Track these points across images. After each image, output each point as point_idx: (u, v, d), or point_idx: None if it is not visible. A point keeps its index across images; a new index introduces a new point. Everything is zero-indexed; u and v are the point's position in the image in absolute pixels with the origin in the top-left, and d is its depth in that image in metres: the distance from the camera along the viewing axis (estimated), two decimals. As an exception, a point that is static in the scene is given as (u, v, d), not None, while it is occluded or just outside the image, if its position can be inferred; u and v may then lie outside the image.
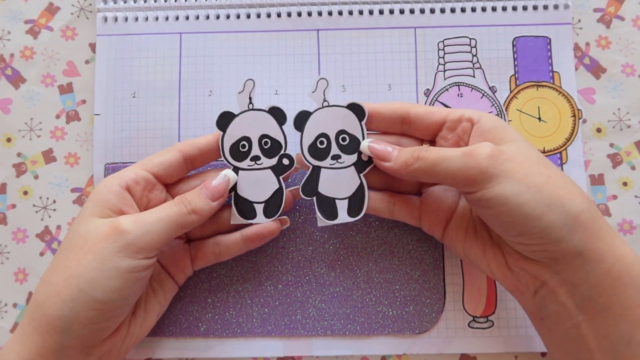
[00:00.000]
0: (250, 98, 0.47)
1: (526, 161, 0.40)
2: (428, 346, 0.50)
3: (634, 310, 0.38)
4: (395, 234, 0.51)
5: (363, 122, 0.46)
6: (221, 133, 0.47)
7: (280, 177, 0.47)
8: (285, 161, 0.47)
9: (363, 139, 0.46)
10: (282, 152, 0.47)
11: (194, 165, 0.47)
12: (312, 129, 0.47)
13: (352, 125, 0.46)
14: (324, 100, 0.47)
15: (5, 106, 0.54)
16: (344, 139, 0.46)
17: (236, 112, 0.47)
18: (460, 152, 0.40)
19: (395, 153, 0.44)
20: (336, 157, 0.47)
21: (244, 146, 0.47)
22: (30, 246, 0.53)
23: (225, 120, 0.47)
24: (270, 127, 0.47)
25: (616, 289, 0.38)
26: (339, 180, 0.47)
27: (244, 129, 0.47)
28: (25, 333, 0.41)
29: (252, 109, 0.47)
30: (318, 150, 0.47)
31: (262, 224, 0.47)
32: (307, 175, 0.47)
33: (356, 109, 0.46)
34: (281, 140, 0.47)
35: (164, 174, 0.45)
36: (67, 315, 0.39)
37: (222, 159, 0.47)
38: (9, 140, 0.54)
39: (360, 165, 0.47)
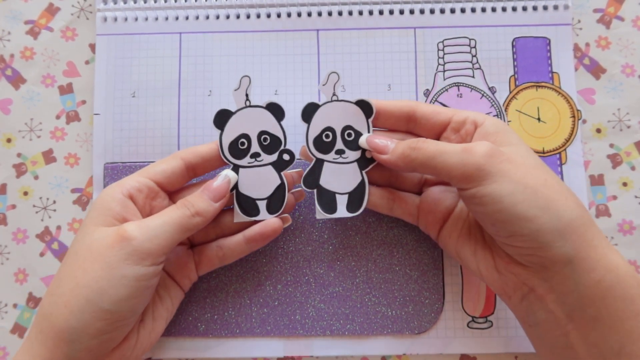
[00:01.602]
0: (247, 95, 0.47)
1: (525, 164, 0.40)
2: (428, 346, 0.50)
3: (624, 322, 0.37)
4: (394, 234, 0.51)
5: (370, 120, 0.46)
6: (219, 132, 0.46)
7: (282, 173, 0.47)
8: (286, 156, 0.47)
9: None
10: (282, 147, 0.47)
11: (196, 173, 0.47)
12: (319, 122, 0.47)
13: (359, 121, 0.46)
14: (334, 94, 0.47)
15: (6, 106, 0.54)
16: (349, 135, 0.46)
17: (233, 110, 0.47)
18: (459, 147, 0.40)
19: (392, 146, 0.44)
20: (340, 152, 0.47)
21: (243, 143, 0.46)
22: (30, 246, 0.53)
23: (222, 118, 0.46)
24: (268, 123, 0.47)
25: (607, 300, 0.38)
26: (340, 175, 0.47)
27: (242, 126, 0.46)
28: (33, 346, 0.40)
29: (250, 106, 0.47)
30: (323, 143, 0.47)
31: (264, 222, 0.46)
32: (309, 167, 0.47)
33: (364, 106, 0.46)
34: (280, 135, 0.47)
35: (166, 182, 0.45)
36: (75, 327, 0.39)
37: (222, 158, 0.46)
38: (9, 140, 0.54)
39: (363, 162, 0.47)
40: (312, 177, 0.47)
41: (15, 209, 0.53)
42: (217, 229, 0.48)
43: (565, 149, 0.52)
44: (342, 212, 0.47)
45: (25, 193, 0.53)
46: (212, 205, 0.44)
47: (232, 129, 0.46)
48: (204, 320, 0.50)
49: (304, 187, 0.47)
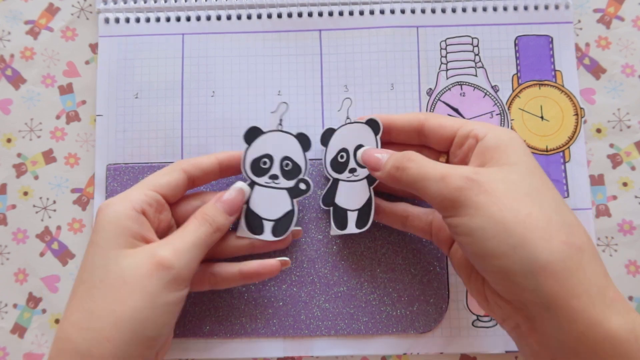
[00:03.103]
0: (280, 120, 0.50)
1: (508, 194, 0.37)
2: (429, 346, 0.50)
3: None
4: (398, 234, 0.51)
5: (378, 137, 0.47)
6: (246, 146, 0.48)
7: (294, 200, 0.48)
8: (302, 186, 0.48)
9: None
10: (301, 176, 0.48)
11: (194, 184, 0.47)
12: (335, 144, 0.50)
13: (369, 139, 0.48)
14: (347, 117, 0.51)
15: (6, 107, 0.54)
16: None
17: (264, 129, 0.48)
18: (438, 174, 0.39)
19: (384, 160, 0.43)
20: (353, 171, 0.49)
21: (265, 163, 0.48)
22: (30, 247, 0.52)
23: (252, 134, 0.48)
24: (294, 150, 0.49)
25: (597, 355, 0.34)
26: (352, 193, 0.49)
27: (268, 147, 0.48)
28: None
29: (281, 130, 0.49)
30: (338, 164, 0.49)
31: (262, 262, 0.46)
32: (327, 187, 0.50)
33: (372, 124, 0.48)
34: (302, 165, 0.49)
35: (170, 195, 0.45)
36: (122, 359, 0.38)
37: (242, 173, 0.48)
38: (9, 140, 0.54)
39: (371, 178, 0.48)
40: (330, 196, 0.50)
41: (15, 209, 0.53)
42: (216, 246, 0.47)
43: (568, 147, 0.53)
44: (351, 228, 0.48)
45: (25, 193, 0.53)
46: (229, 219, 0.44)
47: (259, 147, 0.48)
48: (208, 321, 0.50)
49: (323, 206, 0.50)
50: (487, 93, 0.53)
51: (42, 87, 0.54)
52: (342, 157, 0.49)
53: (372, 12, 0.54)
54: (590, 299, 0.34)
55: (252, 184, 0.48)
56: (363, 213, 0.48)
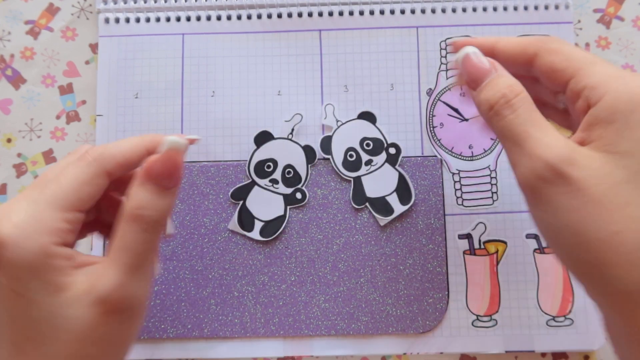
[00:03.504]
0: (292, 129, 0.52)
1: (601, 200, 0.29)
2: (429, 346, 0.50)
3: None
4: (398, 234, 0.51)
5: (376, 124, 0.51)
6: (255, 148, 0.51)
7: (288, 207, 0.50)
8: (299, 195, 0.51)
9: (384, 138, 0.51)
10: (300, 186, 0.51)
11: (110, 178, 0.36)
12: (338, 147, 0.51)
13: (369, 130, 0.52)
14: (337, 121, 0.52)
15: (6, 107, 0.54)
16: (368, 145, 0.51)
17: (275, 135, 0.52)
18: (529, 148, 0.31)
19: (489, 79, 0.34)
20: (369, 162, 0.51)
21: (269, 167, 0.51)
22: (30, 247, 0.52)
23: (263, 138, 0.52)
24: (298, 160, 0.51)
25: None
26: (380, 180, 0.51)
27: (275, 152, 0.51)
28: None
29: (290, 139, 0.52)
30: (351, 163, 0.51)
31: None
32: (352, 188, 0.51)
33: (366, 116, 0.52)
34: (303, 176, 0.51)
35: (90, 206, 0.34)
36: None
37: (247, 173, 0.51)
38: (9, 140, 0.54)
39: (392, 159, 0.51)
40: (359, 195, 0.51)
41: (16, 209, 0.53)
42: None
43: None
44: (399, 209, 0.51)
45: (26, 193, 0.53)
46: (171, 197, 0.34)
47: (266, 151, 0.51)
48: (208, 321, 0.50)
49: (355, 206, 0.51)
50: (487, 93, 0.53)
51: (42, 87, 0.54)
52: (351, 156, 0.51)
53: (372, 13, 0.54)
54: None
55: (253, 184, 0.51)
56: (401, 191, 0.51)
